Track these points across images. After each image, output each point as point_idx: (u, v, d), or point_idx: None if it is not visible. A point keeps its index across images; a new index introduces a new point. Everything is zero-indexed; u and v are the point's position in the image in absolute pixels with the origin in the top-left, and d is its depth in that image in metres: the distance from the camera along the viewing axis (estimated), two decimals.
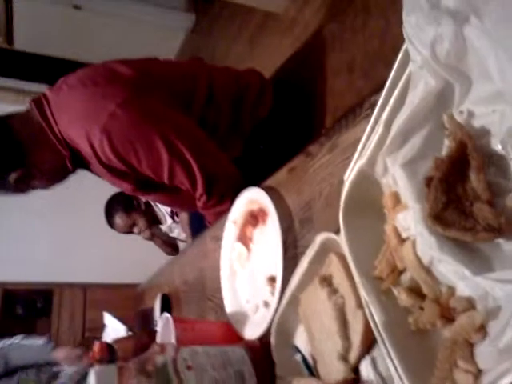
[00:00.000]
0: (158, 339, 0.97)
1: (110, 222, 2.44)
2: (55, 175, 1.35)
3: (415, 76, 0.46)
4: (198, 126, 1.27)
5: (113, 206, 2.43)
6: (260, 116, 1.41)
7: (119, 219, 2.40)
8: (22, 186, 1.30)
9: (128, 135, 1.15)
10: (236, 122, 1.37)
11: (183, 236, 2.40)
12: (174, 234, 2.51)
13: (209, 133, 1.29)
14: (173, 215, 2.41)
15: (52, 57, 3.65)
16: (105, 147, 1.15)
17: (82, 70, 1.28)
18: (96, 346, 0.99)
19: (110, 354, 0.99)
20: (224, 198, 1.21)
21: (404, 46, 0.47)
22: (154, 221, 2.46)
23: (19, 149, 1.23)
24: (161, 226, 2.50)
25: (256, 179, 0.91)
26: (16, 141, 1.23)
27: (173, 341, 0.86)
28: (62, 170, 1.31)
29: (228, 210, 0.97)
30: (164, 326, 0.96)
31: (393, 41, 0.45)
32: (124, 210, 2.40)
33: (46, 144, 1.23)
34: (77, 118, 1.18)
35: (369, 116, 0.54)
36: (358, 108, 0.62)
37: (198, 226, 1.66)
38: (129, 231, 2.45)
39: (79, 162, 1.28)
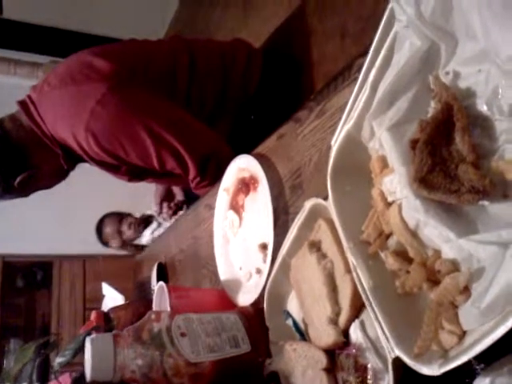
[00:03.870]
0: (154, 308, 0.98)
1: (100, 228, 2.52)
2: (56, 174, 1.37)
3: (401, 36, 0.45)
4: (183, 108, 1.25)
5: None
6: (249, 87, 1.38)
7: (109, 221, 2.53)
8: (26, 189, 1.32)
9: (111, 130, 1.15)
10: (224, 95, 1.35)
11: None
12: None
13: (196, 110, 1.27)
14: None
15: (42, 25, 3.58)
16: (92, 145, 1.16)
17: (62, 66, 1.26)
18: (93, 315, 1.01)
19: (106, 322, 1.01)
20: (218, 176, 1.20)
21: (390, 5, 0.46)
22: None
23: (20, 153, 1.24)
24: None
25: (249, 149, 0.90)
26: (15, 145, 1.23)
27: (168, 309, 0.86)
28: (61, 168, 1.32)
29: None
30: (159, 294, 0.97)
31: (386, 5, 0.44)
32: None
33: (40, 145, 1.24)
34: (61, 119, 1.19)
35: (357, 79, 0.53)
36: (347, 71, 0.61)
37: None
38: (118, 230, 2.51)
39: (74, 158, 1.28)
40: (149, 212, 2.59)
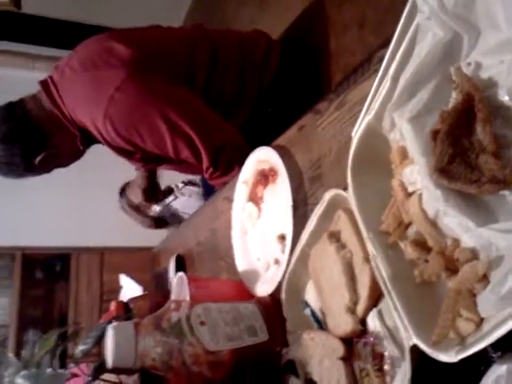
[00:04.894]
0: (173, 298, 0.99)
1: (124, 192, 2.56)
2: (74, 153, 1.40)
3: (423, 28, 0.45)
4: (200, 98, 1.26)
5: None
6: (267, 78, 1.39)
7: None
8: (46, 167, 1.35)
9: (129, 118, 1.17)
10: (242, 85, 1.35)
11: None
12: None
13: (214, 100, 1.28)
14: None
15: (60, 20, 3.61)
16: (109, 131, 1.18)
17: (83, 50, 1.28)
18: (112, 305, 1.03)
19: (126, 312, 1.03)
20: (231, 168, 1.21)
21: None
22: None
23: (39, 133, 1.27)
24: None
25: (266, 140, 0.91)
26: (36, 125, 1.26)
27: (187, 298, 0.88)
28: (78, 148, 1.35)
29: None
30: (178, 284, 0.98)
31: None
32: None
33: (59, 126, 1.26)
34: (81, 104, 1.21)
35: (377, 71, 0.54)
36: (367, 63, 0.62)
37: (209, 189, 1.68)
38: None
39: (91, 140, 1.31)
40: (171, 185, 2.62)
